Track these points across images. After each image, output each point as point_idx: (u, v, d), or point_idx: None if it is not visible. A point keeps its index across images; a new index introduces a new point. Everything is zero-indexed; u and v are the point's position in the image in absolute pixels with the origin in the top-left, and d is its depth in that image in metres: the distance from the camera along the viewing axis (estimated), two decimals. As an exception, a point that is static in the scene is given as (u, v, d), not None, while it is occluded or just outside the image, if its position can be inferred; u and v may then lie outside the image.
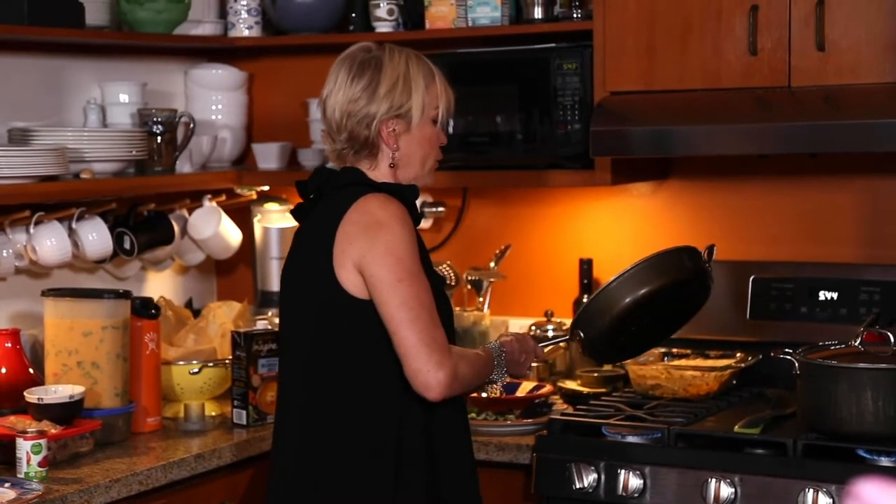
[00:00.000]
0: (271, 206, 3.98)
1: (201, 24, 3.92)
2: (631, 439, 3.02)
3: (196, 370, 3.36)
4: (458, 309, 3.68)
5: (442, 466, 2.55)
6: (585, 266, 3.69)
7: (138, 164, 3.62)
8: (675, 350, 3.48)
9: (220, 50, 4.01)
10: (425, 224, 3.83)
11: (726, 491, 2.87)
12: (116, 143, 3.47)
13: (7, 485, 2.68)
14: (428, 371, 2.43)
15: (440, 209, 3.86)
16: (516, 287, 3.81)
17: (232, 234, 3.90)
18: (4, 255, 3.31)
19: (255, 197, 4.01)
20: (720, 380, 3.25)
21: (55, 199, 3.38)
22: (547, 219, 3.81)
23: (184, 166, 3.77)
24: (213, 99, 3.96)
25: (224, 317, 3.58)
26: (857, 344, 2.94)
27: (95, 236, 3.46)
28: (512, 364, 2.73)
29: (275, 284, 3.90)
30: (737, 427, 2.96)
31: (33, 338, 3.40)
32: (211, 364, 3.38)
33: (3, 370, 3.13)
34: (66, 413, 2.95)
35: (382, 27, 3.71)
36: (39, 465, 2.79)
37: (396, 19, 3.70)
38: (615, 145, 3.27)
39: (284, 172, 3.88)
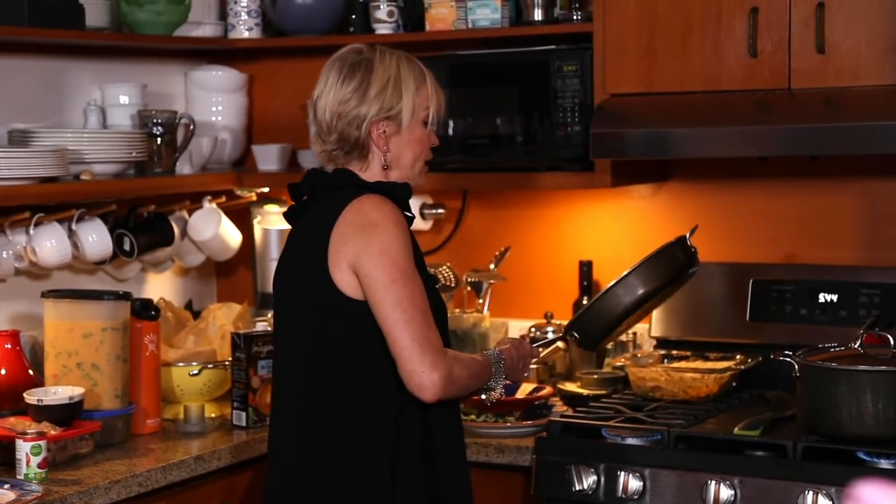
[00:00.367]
0: (271, 208, 3.97)
1: (201, 26, 3.92)
2: (631, 441, 3.02)
3: (196, 372, 3.36)
4: (457, 311, 3.69)
5: (440, 466, 2.56)
6: (585, 268, 3.69)
7: (138, 165, 3.62)
8: (674, 352, 3.48)
9: (220, 51, 4.01)
10: (425, 226, 3.83)
11: (726, 493, 2.86)
12: (116, 145, 3.47)
13: (7, 486, 2.68)
14: (422, 372, 2.43)
15: (440, 211, 3.85)
16: (516, 289, 3.80)
17: (232, 236, 3.90)
18: (4, 256, 3.31)
19: (254, 198, 4.00)
20: (720, 382, 3.25)
21: (55, 200, 3.38)
22: (547, 221, 3.81)
23: (184, 168, 3.77)
24: (213, 100, 3.95)
25: (224, 318, 3.58)
26: (856, 346, 2.94)
27: (95, 238, 3.46)
28: (510, 371, 2.74)
29: (274, 286, 3.90)
30: (737, 429, 2.96)
31: (33, 339, 3.40)
32: (211, 366, 3.38)
33: (3, 371, 3.13)
34: (66, 414, 2.95)
35: (382, 29, 3.70)
36: (39, 466, 2.79)
37: (396, 21, 3.70)
38: (615, 147, 3.27)
39: (284, 174, 3.87)
